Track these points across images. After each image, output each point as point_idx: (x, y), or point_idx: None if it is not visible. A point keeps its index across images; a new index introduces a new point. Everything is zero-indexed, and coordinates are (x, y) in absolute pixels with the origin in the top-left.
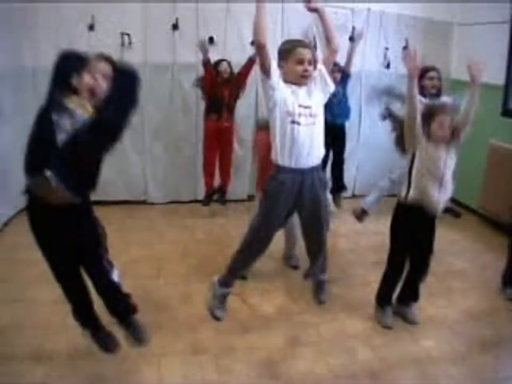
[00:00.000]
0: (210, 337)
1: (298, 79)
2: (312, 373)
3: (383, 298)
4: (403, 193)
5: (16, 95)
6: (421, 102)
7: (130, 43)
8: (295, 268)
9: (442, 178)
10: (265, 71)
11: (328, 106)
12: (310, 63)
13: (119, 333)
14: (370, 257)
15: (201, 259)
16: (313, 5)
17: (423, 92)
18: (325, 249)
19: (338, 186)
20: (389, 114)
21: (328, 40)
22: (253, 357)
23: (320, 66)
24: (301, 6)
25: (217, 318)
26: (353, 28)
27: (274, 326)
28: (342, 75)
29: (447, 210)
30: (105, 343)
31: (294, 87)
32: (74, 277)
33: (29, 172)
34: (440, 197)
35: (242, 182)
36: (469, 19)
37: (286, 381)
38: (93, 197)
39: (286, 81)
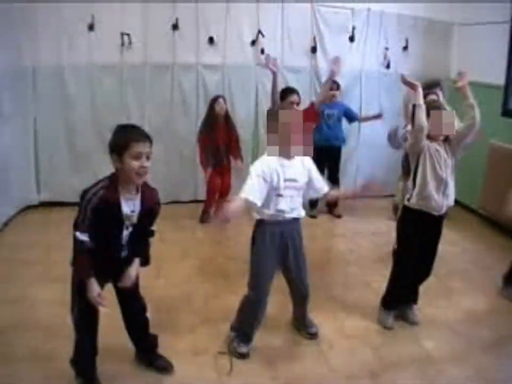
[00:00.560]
0: (210, 337)
1: (285, 150)
2: (312, 373)
3: (390, 302)
4: (407, 197)
5: (16, 95)
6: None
7: (130, 43)
8: None
9: (444, 181)
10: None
11: (324, 128)
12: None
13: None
14: (370, 257)
15: (201, 259)
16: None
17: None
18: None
19: (333, 205)
20: (394, 134)
21: None
22: (253, 357)
23: (315, 175)
24: (301, 6)
25: (242, 355)
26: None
27: (274, 326)
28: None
29: None
30: None
31: (282, 159)
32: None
33: None
34: (443, 201)
35: (242, 182)
36: (469, 19)
37: (286, 381)
38: None
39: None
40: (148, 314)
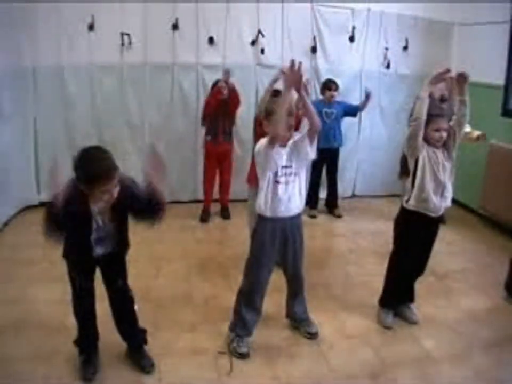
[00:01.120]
0: (210, 337)
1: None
2: (312, 373)
3: (387, 300)
4: (405, 198)
5: (16, 95)
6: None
7: (130, 43)
8: None
9: (442, 183)
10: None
11: (323, 128)
12: (290, 128)
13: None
14: (370, 257)
15: (201, 259)
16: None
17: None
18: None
19: (332, 204)
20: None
21: (310, 124)
22: (253, 357)
23: (302, 137)
24: (301, 6)
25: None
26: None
27: (274, 326)
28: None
29: None
30: (92, 372)
31: (277, 147)
32: (93, 299)
33: None
34: (441, 203)
35: (242, 182)
36: (469, 19)
37: (286, 381)
38: None
39: (269, 140)
40: (136, 307)
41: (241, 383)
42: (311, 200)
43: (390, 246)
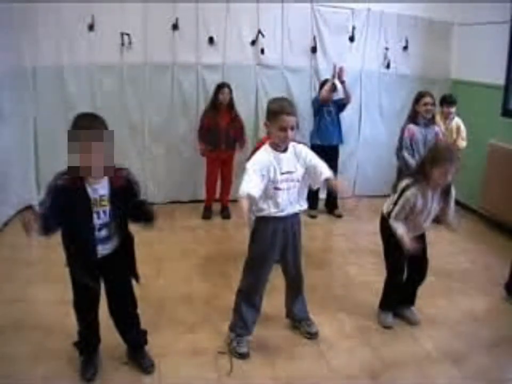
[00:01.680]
0: (210, 337)
1: (278, 143)
2: (312, 373)
3: (387, 303)
4: (389, 211)
5: (16, 95)
6: (412, 129)
7: (130, 43)
8: None
9: (422, 227)
10: None
11: (323, 126)
12: (292, 129)
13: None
14: (370, 257)
15: (201, 259)
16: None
17: (417, 117)
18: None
19: (332, 204)
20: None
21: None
22: (253, 357)
23: (315, 162)
24: (301, 6)
25: (242, 354)
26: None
27: (274, 326)
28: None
29: None
30: (92, 373)
31: (276, 152)
32: (97, 301)
33: None
34: (424, 226)
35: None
36: (469, 19)
37: (286, 381)
38: None
39: (270, 143)
40: (139, 311)
41: (241, 383)
42: (311, 200)
43: None
